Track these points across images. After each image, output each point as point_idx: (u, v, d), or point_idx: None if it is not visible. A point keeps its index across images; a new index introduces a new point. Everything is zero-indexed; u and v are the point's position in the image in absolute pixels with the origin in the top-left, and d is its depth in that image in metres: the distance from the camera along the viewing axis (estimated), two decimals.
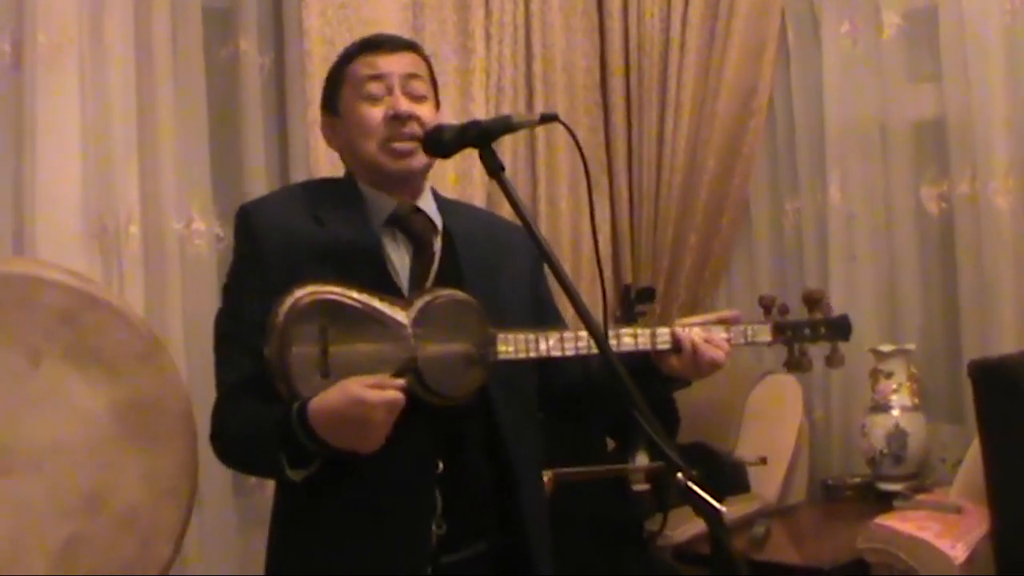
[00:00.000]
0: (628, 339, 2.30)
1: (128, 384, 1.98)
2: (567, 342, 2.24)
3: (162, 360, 2.09)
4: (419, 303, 2.16)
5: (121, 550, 1.98)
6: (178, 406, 2.08)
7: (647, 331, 2.32)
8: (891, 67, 4.39)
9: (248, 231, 2.30)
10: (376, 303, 2.13)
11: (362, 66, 2.34)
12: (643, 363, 2.34)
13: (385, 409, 2.00)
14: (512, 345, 2.21)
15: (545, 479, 3.20)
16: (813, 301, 2.55)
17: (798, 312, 2.56)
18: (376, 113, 2.29)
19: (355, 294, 2.11)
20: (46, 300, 1.92)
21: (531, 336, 2.22)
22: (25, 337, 1.89)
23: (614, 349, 2.20)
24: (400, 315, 2.13)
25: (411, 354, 2.12)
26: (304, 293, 2.07)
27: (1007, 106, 4.02)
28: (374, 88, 2.31)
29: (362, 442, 2.03)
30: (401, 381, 2.04)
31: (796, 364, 2.51)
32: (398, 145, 2.28)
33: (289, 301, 2.06)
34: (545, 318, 2.44)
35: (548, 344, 2.23)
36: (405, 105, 2.29)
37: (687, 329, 2.34)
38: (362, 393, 1.99)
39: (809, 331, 2.52)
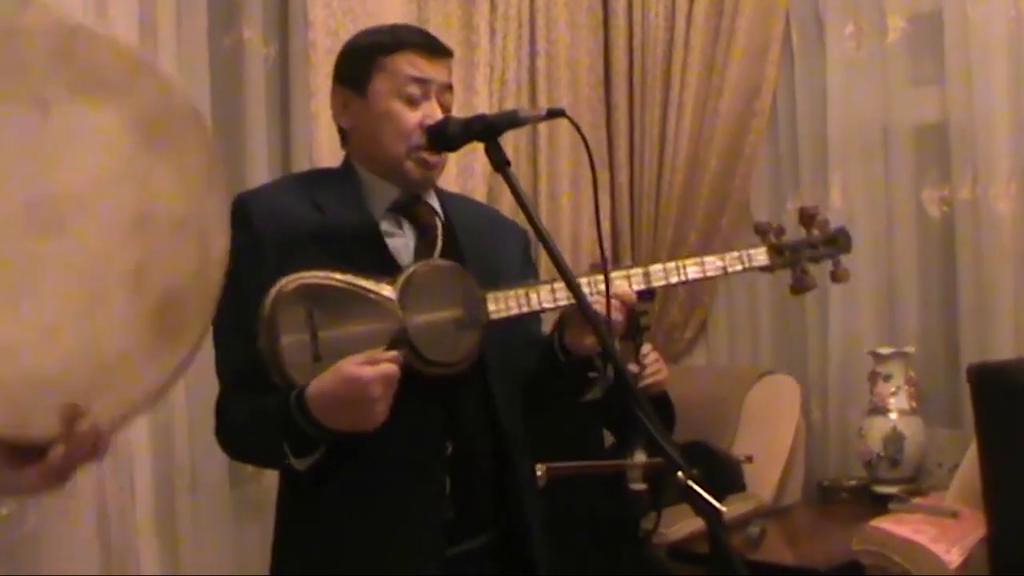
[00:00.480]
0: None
1: (135, 98, 1.96)
2: (559, 292, 2.22)
3: (155, 68, 2.08)
4: (403, 276, 2.15)
5: (183, 257, 1.98)
6: (185, 103, 2.07)
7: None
8: (895, 70, 4.40)
9: (246, 220, 2.28)
10: (361, 281, 2.11)
11: (407, 64, 2.29)
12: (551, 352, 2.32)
13: (382, 383, 1.98)
14: (503, 303, 2.20)
15: (539, 472, 3.19)
16: (809, 217, 2.50)
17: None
18: (412, 117, 2.27)
19: (338, 275, 2.09)
20: (34, 44, 1.91)
21: (520, 291, 2.21)
22: (25, 88, 1.88)
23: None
24: (386, 290, 2.12)
25: (401, 326, 2.11)
26: (287, 281, 2.06)
27: (1010, 111, 4.03)
28: (415, 90, 2.28)
29: (364, 420, 2.01)
30: (394, 353, 2.02)
31: (800, 284, 2.46)
32: (429, 157, 2.27)
33: (273, 291, 2.05)
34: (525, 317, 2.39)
35: (539, 296, 2.22)
36: (440, 118, 2.28)
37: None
38: (356, 371, 1.98)
39: (809, 250, 2.46)
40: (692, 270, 2.37)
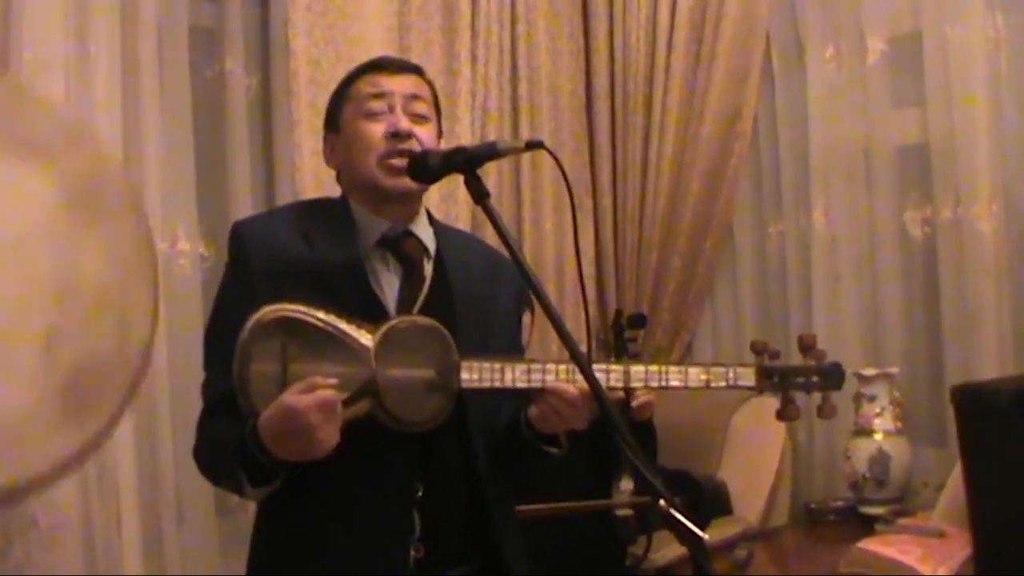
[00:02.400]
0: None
1: (69, 167, 1.96)
2: (534, 374, 2.23)
3: (95, 140, 2.09)
4: (385, 327, 2.16)
5: (101, 332, 1.96)
6: (120, 181, 2.07)
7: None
8: (875, 92, 4.40)
9: (237, 248, 2.32)
10: (342, 324, 2.12)
11: (365, 84, 2.35)
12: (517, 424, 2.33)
13: (318, 410, 1.99)
14: (476, 373, 2.20)
15: None
16: (806, 347, 2.46)
17: (789, 356, 2.47)
18: (376, 129, 2.30)
19: (320, 314, 2.11)
20: None
21: (496, 365, 2.21)
22: None
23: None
24: (365, 338, 2.13)
25: (371, 376, 2.11)
26: (269, 310, 2.08)
27: (990, 132, 4.03)
28: (375, 105, 2.32)
29: (309, 448, 2.02)
30: (333, 380, 2.03)
31: (784, 414, 2.41)
32: (395, 162, 2.28)
33: (254, 319, 2.07)
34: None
35: (513, 375, 2.22)
36: (405, 123, 2.30)
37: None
38: (292, 402, 1.99)
39: (800, 379, 2.42)
40: (674, 379, 2.36)
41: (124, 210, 2.05)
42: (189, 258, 3.63)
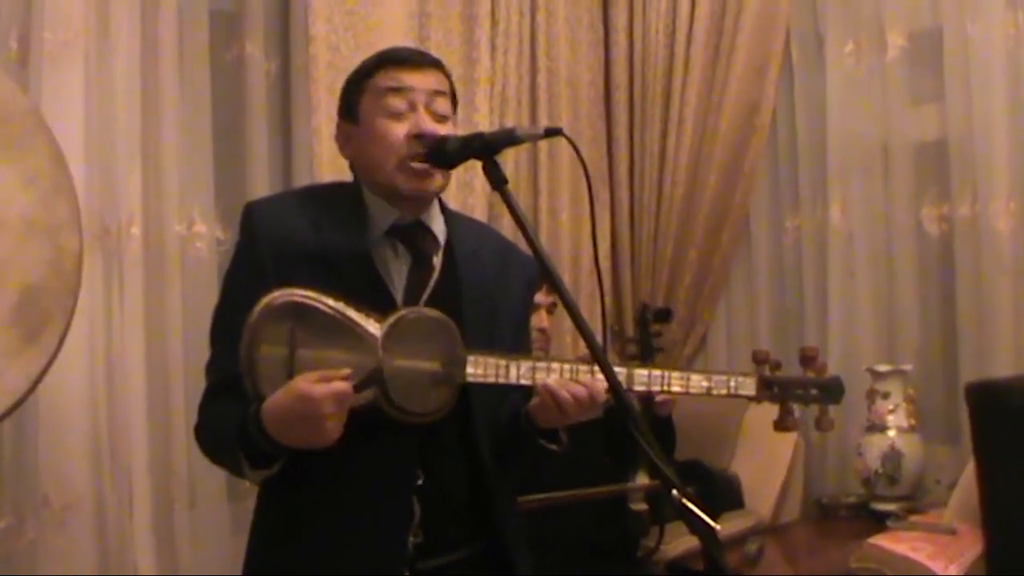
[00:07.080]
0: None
1: None
2: (539, 372, 2.22)
3: None
4: (393, 317, 2.15)
5: (36, 255, 2.01)
6: (24, 106, 2.09)
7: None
8: (894, 87, 4.40)
9: (248, 230, 2.31)
10: (351, 313, 2.11)
11: (385, 78, 2.30)
12: (516, 424, 2.32)
13: (332, 401, 1.99)
14: (482, 368, 2.19)
15: None
16: (808, 359, 2.47)
17: (792, 367, 2.47)
18: (399, 130, 2.26)
19: (330, 301, 2.10)
20: None
21: (502, 361, 2.20)
22: None
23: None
24: (372, 327, 2.12)
25: (378, 365, 2.11)
26: (279, 294, 2.07)
27: (1009, 129, 4.03)
28: (397, 103, 2.27)
29: (315, 437, 2.02)
30: (347, 371, 2.02)
31: (783, 424, 2.42)
32: (416, 165, 2.26)
33: (264, 301, 2.06)
34: (517, 349, 2.38)
35: (518, 371, 2.21)
36: (429, 125, 2.26)
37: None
38: (307, 389, 1.99)
39: (799, 391, 2.43)
40: (676, 385, 2.35)
41: (32, 135, 2.07)
42: (205, 241, 3.64)
